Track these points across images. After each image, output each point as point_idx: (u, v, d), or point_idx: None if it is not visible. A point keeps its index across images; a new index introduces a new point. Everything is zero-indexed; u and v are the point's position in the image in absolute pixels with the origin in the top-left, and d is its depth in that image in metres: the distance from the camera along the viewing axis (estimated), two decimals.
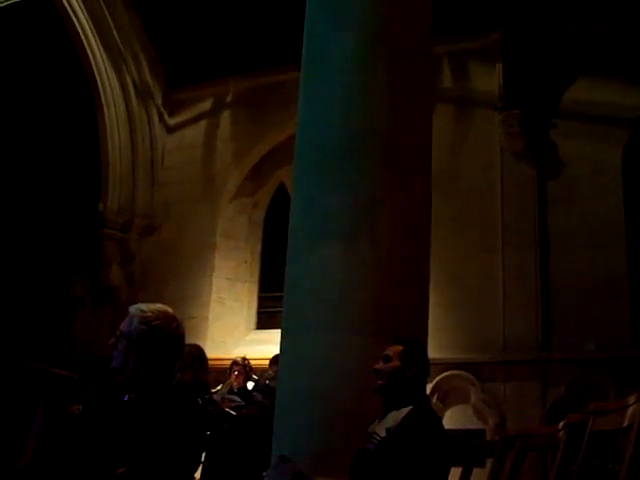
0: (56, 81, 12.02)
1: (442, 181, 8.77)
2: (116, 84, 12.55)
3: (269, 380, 7.95)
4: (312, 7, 6.31)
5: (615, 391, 8.62)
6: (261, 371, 8.63)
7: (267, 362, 8.52)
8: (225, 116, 12.69)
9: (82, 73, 12.29)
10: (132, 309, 3.21)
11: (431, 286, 5.97)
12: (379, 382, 4.14)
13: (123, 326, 3.18)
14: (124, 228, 12.45)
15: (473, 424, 9.64)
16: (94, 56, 12.23)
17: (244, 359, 8.54)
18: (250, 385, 8.43)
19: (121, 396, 3.10)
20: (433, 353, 5.96)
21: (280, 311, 6.40)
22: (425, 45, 6.24)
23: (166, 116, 13.10)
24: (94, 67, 12.27)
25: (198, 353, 6.20)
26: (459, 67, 10.95)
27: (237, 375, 8.29)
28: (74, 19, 11.86)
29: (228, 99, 12.73)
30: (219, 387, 8.30)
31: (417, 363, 4.15)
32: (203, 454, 6.49)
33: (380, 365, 4.15)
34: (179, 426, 3.03)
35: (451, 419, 9.53)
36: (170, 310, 3.24)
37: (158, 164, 12.93)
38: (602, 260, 9.56)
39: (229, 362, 8.64)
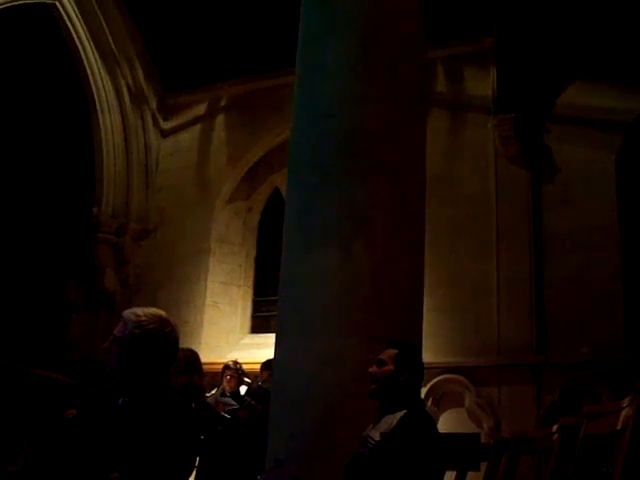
0: (51, 86, 12.00)
1: (436, 185, 8.77)
2: (111, 89, 12.55)
3: (261, 383, 7.94)
4: (306, 12, 6.32)
5: (609, 394, 8.63)
6: (255, 375, 8.63)
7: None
8: (219, 120, 12.69)
9: (77, 78, 12.29)
10: (126, 313, 3.21)
11: (426, 290, 5.98)
12: (373, 386, 4.14)
13: (117, 330, 3.18)
14: (118, 232, 12.44)
15: (468, 428, 9.64)
16: (89, 61, 12.22)
17: (235, 362, 8.52)
18: (243, 389, 8.42)
19: (115, 400, 3.10)
20: (428, 357, 5.97)
21: (275, 315, 6.40)
22: (419, 49, 6.26)
23: (161, 120, 13.09)
24: (89, 72, 12.27)
25: (192, 357, 6.19)
26: (453, 71, 10.96)
27: (229, 379, 8.27)
28: (69, 24, 11.86)
29: (222, 103, 12.74)
30: (213, 391, 8.29)
31: (411, 367, 4.15)
32: (197, 458, 6.48)
33: (374, 369, 4.15)
34: (173, 430, 3.03)
35: (446, 423, 9.53)
36: (164, 314, 3.24)
37: (153, 168, 12.93)
38: (596, 264, 9.57)
39: None
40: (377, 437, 3.94)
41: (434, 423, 4.22)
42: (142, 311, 3.20)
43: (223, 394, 8.14)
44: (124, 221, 12.49)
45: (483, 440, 9.26)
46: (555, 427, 3.63)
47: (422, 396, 7.45)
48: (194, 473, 6.52)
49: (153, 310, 3.23)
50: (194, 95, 12.84)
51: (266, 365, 7.68)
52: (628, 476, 2.48)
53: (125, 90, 12.71)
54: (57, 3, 11.66)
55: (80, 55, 12.15)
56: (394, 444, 3.83)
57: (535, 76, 10.29)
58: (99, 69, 12.36)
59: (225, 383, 8.26)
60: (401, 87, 5.91)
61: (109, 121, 12.56)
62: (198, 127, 12.85)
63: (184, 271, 12.02)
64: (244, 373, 8.49)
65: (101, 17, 12.18)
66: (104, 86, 12.46)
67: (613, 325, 9.37)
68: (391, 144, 5.74)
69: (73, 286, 12.34)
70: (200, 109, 12.87)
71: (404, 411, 3.97)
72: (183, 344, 3.48)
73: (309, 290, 5.48)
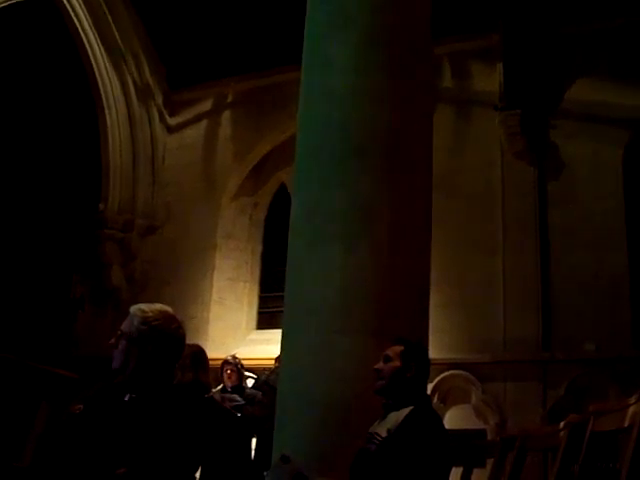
0: (57, 81, 12.02)
1: (442, 181, 8.76)
2: (117, 84, 12.56)
3: (268, 376, 7.94)
4: (312, 8, 6.31)
5: (615, 391, 8.62)
6: (260, 370, 8.64)
7: (268, 362, 8.56)
8: (226, 116, 12.69)
9: (83, 73, 12.30)
10: (133, 309, 3.21)
11: (432, 286, 5.97)
12: (380, 382, 4.13)
13: (124, 326, 3.18)
14: (125, 228, 12.45)
15: (474, 424, 9.64)
16: (95, 56, 12.24)
17: (234, 357, 8.53)
18: (250, 383, 8.42)
19: (121, 396, 3.10)
20: (434, 353, 5.96)
21: (281, 311, 6.40)
22: (425, 45, 6.24)
23: (167, 116, 13.10)
24: (95, 67, 12.28)
25: (199, 353, 6.18)
26: (460, 67, 10.95)
27: (230, 373, 8.28)
28: (75, 19, 11.87)
29: (229, 99, 12.74)
30: (219, 387, 8.30)
31: (417, 363, 4.14)
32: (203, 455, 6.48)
33: (380, 365, 4.15)
34: (179, 426, 3.03)
35: (452, 419, 9.53)
36: (171, 310, 3.23)
37: (159, 164, 12.94)
38: (603, 260, 9.56)
39: None
40: (383, 433, 3.94)
41: (440, 420, 4.22)
42: (148, 307, 3.20)
43: (224, 390, 8.13)
44: (130, 217, 12.50)
45: (489, 437, 9.26)
46: (562, 424, 3.62)
47: (428, 392, 7.45)
48: (200, 469, 6.52)
49: (159, 306, 3.23)
50: (200, 91, 12.84)
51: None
52: (635, 473, 2.48)
53: (131, 86, 12.72)
54: None
55: (86, 51, 12.16)
56: (400, 440, 3.83)
57: (541, 72, 10.27)
58: (105, 65, 12.37)
59: (226, 378, 8.26)
60: (407, 83, 5.90)
61: (115, 117, 12.57)
62: (204, 123, 12.85)
63: (190, 267, 12.03)
64: (243, 367, 8.50)
65: (107, 13, 12.19)
66: (110, 81, 12.47)
67: (619, 322, 9.35)
68: (397, 139, 5.73)
69: (79, 282, 12.36)
70: (206, 105, 12.87)
71: (410, 407, 3.97)
72: (189, 340, 3.48)
73: (315, 286, 5.47)
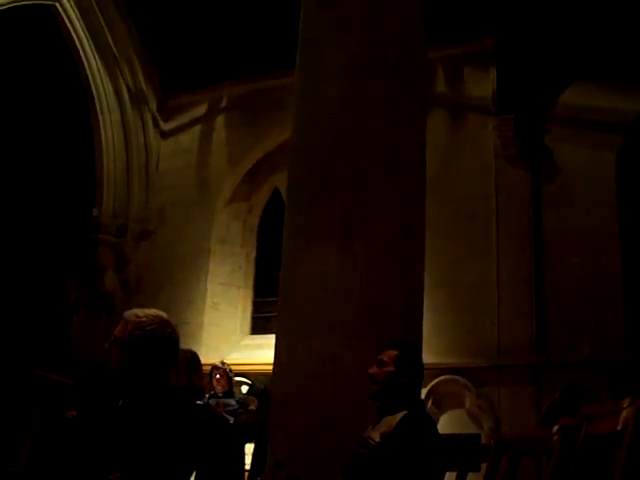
0: (51, 87, 12.00)
1: (436, 185, 8.76)
2: (111, 90, 12.55)
3: (266, 385, 7.94)
4: (306, 12, 6.33)
5: (609, 395, 8.62)
6: (255, 376, 8.63)
7: (262, 367, 8.54)
8: (220, 121, 12.69)
9: (77, 79, 12.29)
10: (127, 314, 3.21)
11: (426, 291, 5.98)
12: (373, 387, 4.13)
13: (117, 331, 3.18)
14: (119, 233, 12.44)
15: (468, 428, 9.63)
16: (89, 62, 12.23)
17: (223, 363, 8.55)
18: (244, 389, 8.41)
19: (115, 401, 3.10)
20: (428, 358, 5.96)
21: (275, 316, 6.40)
22: (419, 50, 6.26)
23: (161, 121, 13.10)
24: (89, 73, 12.28)
25: (193, 358, 6.19)
26: (453, 72, 10.96)
27: (219, 378, 8.28)
28: (69, 25, 11.86)
29: (223, 104, 12.73)
30: (212, 392, 8.29)
31: (412, 368, 4.14)
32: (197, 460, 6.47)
33: (374, 370, 4.14)
34: (173, 431, 3.02)
35: (446, 424, 9.52)
36: (165, 315, 3.23)
37: (153, 169, 12.93)
38: (597, 264, 9.56)
39: None
40: (377, 438, 3.93)
41: (434, 424, 4.22)
42: (142, 312, 3.20)
43: (215, 395, 8.12)
44: (124, 222, 12.49)
45: (483, 441, 9.25)
46: (555, 428, 3.62)
47: (422, 397, 7.45)
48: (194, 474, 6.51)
49: (153, 311, 3.23)
50: (194, 96, 12.84)
51: None
52: (628, 477, 2.48)
53: (125, 91, 12.72)
54: (57, 4, 11.67)
55: (80, 56, 12.15)
56: (394, 445, 3.83)
57: (535, 76, 10.29)
58: (99, 70, 12.36)
59: (215, 383, 8.25)
60: (401, 87, 5.91)
61: (109, 122, 12.57)
62: (198, 128, 12.85)
63: (184, 272, 12.02)
64: (232, 372, 8.50)
65: (101, 18, 12.18)
66: (104, 87, 12.46)
67: (613, 325, 9.36)
68: (391, 144, 5.75)
69: (74, 287, 12.34)
70: (200, 110, 12.87)
71: (404, 412, 3.96)
72: (183, 345, 3.48)
73: (309, 290, 5.48)
